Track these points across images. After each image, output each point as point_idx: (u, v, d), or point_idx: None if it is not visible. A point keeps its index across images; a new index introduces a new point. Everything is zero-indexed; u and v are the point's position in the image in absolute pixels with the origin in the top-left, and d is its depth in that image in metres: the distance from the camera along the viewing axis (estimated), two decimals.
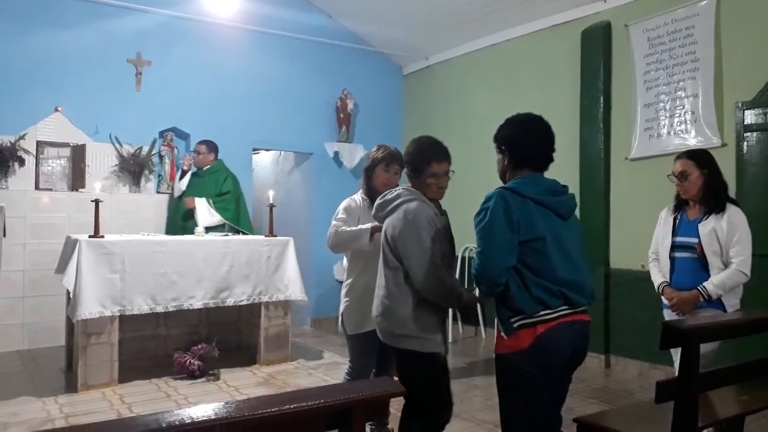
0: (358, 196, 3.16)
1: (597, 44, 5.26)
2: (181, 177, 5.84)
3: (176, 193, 5.78)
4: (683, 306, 2.98)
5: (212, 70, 6.31)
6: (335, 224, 3.07)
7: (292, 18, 6.59)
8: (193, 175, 5.72)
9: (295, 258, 4.95)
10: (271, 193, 5.12)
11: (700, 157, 3.03)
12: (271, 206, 5.02)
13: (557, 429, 2.22)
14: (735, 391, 2.69)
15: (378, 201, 2.66)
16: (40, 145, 5.49)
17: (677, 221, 3.07)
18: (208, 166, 5.62)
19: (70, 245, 4.29)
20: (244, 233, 5.39)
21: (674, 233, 3.05)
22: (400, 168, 3.13)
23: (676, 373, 2.19)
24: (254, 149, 6.95)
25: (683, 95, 4.67)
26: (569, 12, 5.54)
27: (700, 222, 2.96)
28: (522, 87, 6.05)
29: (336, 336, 6.29)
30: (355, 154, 7.06)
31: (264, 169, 8.05)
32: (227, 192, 5.53)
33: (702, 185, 2.96)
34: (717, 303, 2.90)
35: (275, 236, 4.97)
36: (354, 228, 3.00)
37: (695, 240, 2.94)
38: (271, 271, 4.81)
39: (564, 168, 5.69)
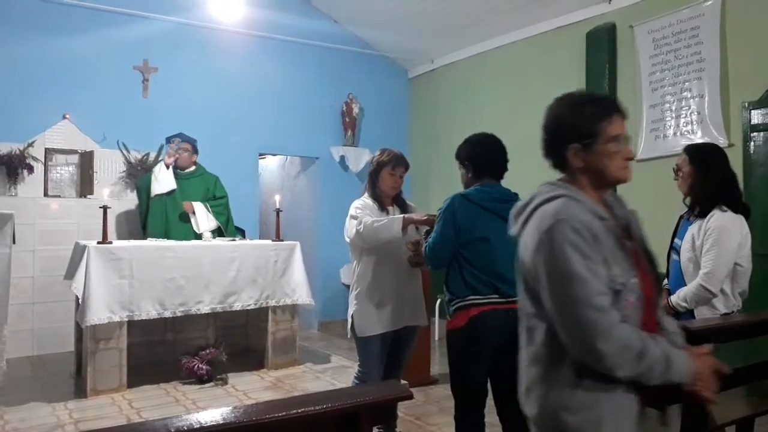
0: (365, 199, 3.15)
1: (602, 46, 5.25)
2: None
3: (163, 189, 5.18)
4: None
5: (218, 76, 6.34)
6: (359, 215, 2.99)
7: (297, 23, 6.61)
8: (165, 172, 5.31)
9: (302, 262, 4.96)
10: (277, 198, 5.14)
11: (695, 152, 2.79)
12: (278, 211, 5.04)
13: (513, 409, 2.27)
14: (744, 393, 2.67)
15: (512, 213, 1.74)
16: (48, 152, 5.53)
17: (681, 221, 2.88)
18: (191, 168, 5.39)
19: (79, 251, 4.32)
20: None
21: (674, 234, 2.88)
22: (405, 171, 3.14)
23: None
24: (260, 154, 6.97)
25: (689, 96, 4.66)
26: (574, 14, 5.54)
27: (690, 225, 2.75)
28: (527, 89, 6.05)
29: (343, 339, 6.30)
30: (360, 158, 7.08)
31: (270, 173, 8.08)
32: (222, 196, 5.41)
33: (691, 183, 2.72)
34: (687, 315, 2.67)
35: (282, 240, 4.98)
36: (385, 218, 2.96)
37: (681, 243, 2.77)
38: (278, 275, 4.82)
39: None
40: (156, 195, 5.18)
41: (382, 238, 2.93)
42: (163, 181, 5.19)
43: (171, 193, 5.20)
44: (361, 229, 2.92)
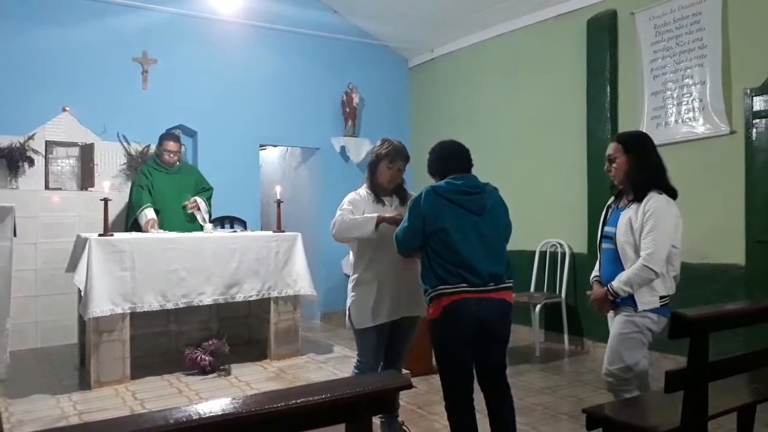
0: (363, 191, 3.15)
1: (603, 33, 5.22)
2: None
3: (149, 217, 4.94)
4: (597, 304, 2.83)
5: (218, 66, 6.32)
6: (341, 212, 3.05)
7: (296, 13, 6.58)
8: (155, 170, 5.18)
9: (304, 253, 4.97)
10: (278, 189, 5.13)
11: (628, 140, 2.83)
12: (279, 202, 5.04)
13: (495, 392, 2.73)
14: (746, 380, 2.68)
15: None
16: (49, 145, 5.53)
17: (610, 210, 2.91)
18: (178, 163, 5.32)
19: (81, 244, 4.33)
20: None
21: (604, 223, 2.90)
22: (405, 164, 3.12)
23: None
24: (261, 145, 6.96)
25: (691, 83, 4.63)
26: (575, 1, 5.50)
27: (622, 211, 2.78)
28: (528, 77, 6.02)
29: (345, 330, 6.32)
30: (361, 149, 7.07)
31: (271, 165, 8.07)
32: (211, 188, 5.43)
33: (627, 170, 2.75)
34: (629, 300, 2.68)
35: (283, 231, 4.98)
36: (360, 216, 2.99)
37: (614, 230, 2.78)
38: (280, 266, 4.82)
39: (571, 157, 5.69)
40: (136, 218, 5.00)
41: (353, 236, 3.00)
42: (150, 213, 4.98)
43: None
44: (333, 229, 3.03)
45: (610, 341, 2.79)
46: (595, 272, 2.92)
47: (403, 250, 2.77)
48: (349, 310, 3.08)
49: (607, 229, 2.85)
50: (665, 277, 2.70)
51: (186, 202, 5.18)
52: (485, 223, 2.66)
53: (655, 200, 2.67)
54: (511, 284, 2.73)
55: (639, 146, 2.79)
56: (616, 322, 2.78)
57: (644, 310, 2.67)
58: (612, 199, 2.96)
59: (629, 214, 2.72)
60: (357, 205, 3.08)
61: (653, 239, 2.61)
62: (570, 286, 5.44)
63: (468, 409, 2.68)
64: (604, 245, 2.85)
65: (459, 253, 2.59)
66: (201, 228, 5.07)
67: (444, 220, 2.61)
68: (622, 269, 2.70)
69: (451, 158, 2.80)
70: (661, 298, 2.69)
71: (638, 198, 2.71)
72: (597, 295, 2.82)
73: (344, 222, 3.00)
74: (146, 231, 4.81)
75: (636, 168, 2.74)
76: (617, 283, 2.68)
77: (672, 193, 2.75)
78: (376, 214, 2.95)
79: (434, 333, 2.67)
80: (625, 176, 2.77)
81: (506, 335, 2.75)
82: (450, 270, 2.59)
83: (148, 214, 4.95)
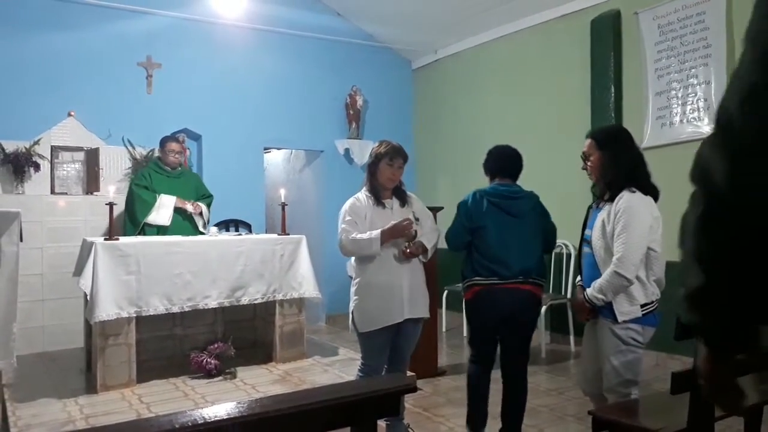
0: (362, 195, 3.14)
1: (607, 33, 5.21)
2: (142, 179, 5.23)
3: (159, 222, 5.07)
4: (577, 311, 2.73)
5: (221, 70, 6.34)
6: (344, 229, 3.05)
7: (300, 16, 6.60)
8: (156, 173, 5.23)
9: (308, 255, 4.97)
10: (282, 192, 5.14)
11: (601, 136, 2.65)
12: (283, 205, 5.04)
13: (513, 370, 3.13)
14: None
15: None
16: (54, 149, 5.56)
17: (590, 212, 2.70)
18: (179, 167, 5.38)
19: (86, 248, 4.34)
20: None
21: (584, 225, 2.71)
22: (404, 162, 3.13)
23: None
24: (265, 148, 6.98)
25: (695, 82, 4.61)
26: (578, 1, 5.50)
27: (598, 212, 2.59)
28: (532, 78, 6.01)
29: (350, 332, 6.31)
30: (365, 151, 7.06)
31: (275, 167, 8.09)
32: (211, 196, 5.46)
33: (601, 168, 2.56)
34: (607, 311, 2.50)
35: (288, 234, 4.99)
36: (365, 235, 2.98)
37: (591, 233, 2.61)
38: (285, 269, 4.83)
39: (576, 158, 5.66)
40: (147, 223, 5.05)
41: (365, 254, 3.04)
42: (163, 215, 5.07)
43: (159, 227, 5.09)
44: (342, 249, 3.10)
45: (604, 363, 2.58)
46: (579, 277, 2.76)
47: (453, 247, 3.12)
48: (352, 313, 3.08)
49: (586, 232, 2.67)
50: (644, 283, 2.49)
51: (190, 203, 5.19)
52: (522, 225, 3.01)
53: (626, 199, 2.46)
54: (540, 281, 3.06)
55: (612, 141, 2.60)
56: (601, 337, 2.60)
57: (624, 321, 2.47)
58: (593, 199, 2.75)
59: (602, 215, 2.55)
60: (358, 211, 3.07)
61: (623, 242, 2.42)
62: (576, 287, 5.42)
63: (485, 366, 3.12)
64: (584, 249, 2.67)
65: (493, 248, 2.96)
66: (200, 233, 5.11)
67: (485, 219, 2.99)
68: (599, 275, 2.52)
69: (501, 162, 3.17)
70: (642, 306, 2.48)
71: (612, 197, 2.52)
72: (576, 303, 2.70)
73: (349, 243, 3.03)
74: (184, 207, 5.11)
75: (608, 165, 2.54)
76: (591, 291, 2.51)
77: (652, 192, 2.55)
78: (378, 231, 2.94)
79: (468, 311, 3.25)
80: (600, 174, 2.59)
81: (531, 323, 3.13)
82: (484, 265, 2.97)
83: (168, 200, 5.06)
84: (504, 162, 3.18)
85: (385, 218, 3.02)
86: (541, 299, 3.18)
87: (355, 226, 3.03)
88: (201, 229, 5.20)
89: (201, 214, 5.30)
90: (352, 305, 3.09)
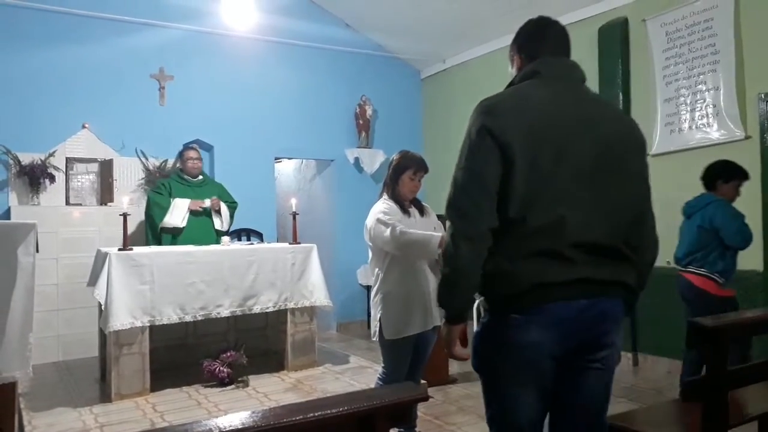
0: (389, 201, 3.12)
1: (614, 41, 5.22)
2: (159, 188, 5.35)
3: (174, 223, 5.19)
4: None
5: (233, 81, 6.42)
6: (389, 222, 2.94)
7: (309, 28, 6.67)
8: (178, 183, 5.34)
9: (319, 264, 5.00)
10: (293, 201, 5.18)
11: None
12: (294, 214, 5.09)
13: None
14: (766, 388, 2.65)
15: None
16: (69, 161, 5.64)
17: None
18: (201, 177, 5.47)
19: (101, 258, 4.40)
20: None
21: None
22: (425, 175, 3.16)
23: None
24: (276, 158, 7.03)
25: (704, 89, 4.61)
26: (585, 9, 5.51)
27: None
28: None
29: (362, 340, 6.33)
30: (375, 160, 7.11)
31: (286, 177, 8.15)
32: (235, 203, 5.55)
33: None
34: None
35: (299, 243, 5.02)
36: (421, 232, 2.93)
37: None
38: (296, 277, 4.86)
39: None
40: (164, 226, 5.18)
41: (415, 252, 2.92)
42: (177, 216, 5.19)
43: (176, 230, 5.21)
44: (396, 237, 2.88)
45: None
46: None
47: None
48: (379, 321, 3.03)
49: None
50: None
51: (210, 200, 5.28)
52: None
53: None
54: None
55: None
56: None
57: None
58: None
59: None
60: (393, 213, 3.04)
61: None
62: None
63: None
64: None
65: None
66: (218, 238, 5.19)
67: None
68: None
69: None
70: None
71: None
72: None
73: (402, 237, 2.88)
74: (202, 206, 5.18)
75: None
76: None
77: None
78: (440, 234, 2.86)
79: None
80: None
81: None
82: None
83: (182, 202, 5.15)
84: None
85: (410, 226, 3.00)
86: None
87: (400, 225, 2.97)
88: (218, 227, 5.28)
89: (219, 211, 5.37)
90: (378, 314, 3.04)
